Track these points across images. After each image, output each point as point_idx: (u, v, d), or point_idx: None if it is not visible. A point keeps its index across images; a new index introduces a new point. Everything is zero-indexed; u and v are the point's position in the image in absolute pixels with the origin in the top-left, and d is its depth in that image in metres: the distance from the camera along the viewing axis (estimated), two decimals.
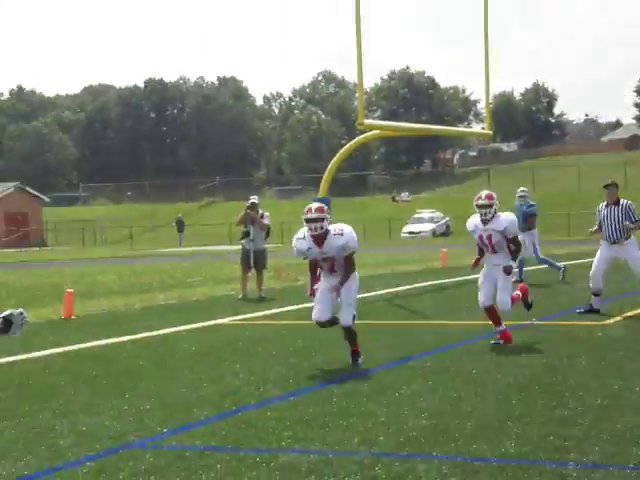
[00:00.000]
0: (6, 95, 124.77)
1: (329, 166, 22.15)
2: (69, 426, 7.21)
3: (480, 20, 22.29)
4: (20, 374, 9.77)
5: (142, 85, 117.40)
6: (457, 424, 6.83)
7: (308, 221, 9.43)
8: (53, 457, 6.31)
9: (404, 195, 77.55)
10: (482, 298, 10.82)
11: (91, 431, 7.03)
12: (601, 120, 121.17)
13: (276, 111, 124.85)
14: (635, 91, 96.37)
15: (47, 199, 74.92)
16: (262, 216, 18.47)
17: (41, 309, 16.60)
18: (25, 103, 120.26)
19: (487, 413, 7.12)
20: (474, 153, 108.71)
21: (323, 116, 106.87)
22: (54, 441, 6.74)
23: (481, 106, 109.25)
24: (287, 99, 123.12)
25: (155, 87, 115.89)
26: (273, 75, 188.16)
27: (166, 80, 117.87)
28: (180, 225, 60.47)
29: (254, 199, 18.73)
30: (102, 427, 7.14)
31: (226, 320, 14.31)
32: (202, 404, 7.89)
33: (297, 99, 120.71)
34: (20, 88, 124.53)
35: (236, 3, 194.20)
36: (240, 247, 18.87)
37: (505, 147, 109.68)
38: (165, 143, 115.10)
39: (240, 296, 17.98)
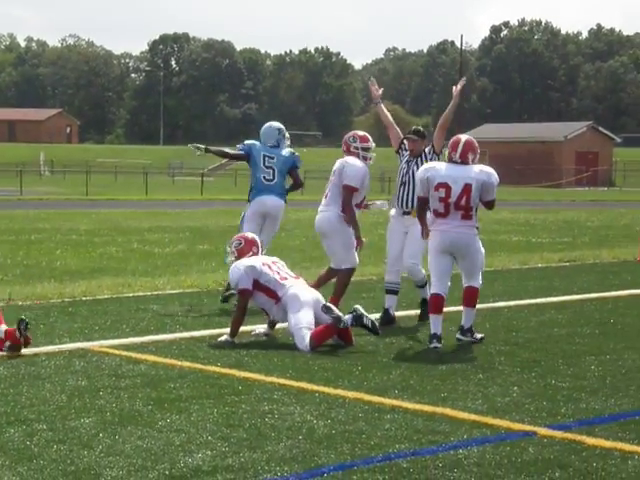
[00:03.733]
0: (584, 34, 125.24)
1: None
2: None
3: None
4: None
5: None
6: None
7: None
8: None
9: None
10: None
11: None
12: None
13: None
14: None
15: (619, 139, 74.17)
16: None
17: (615, 249, 16.54)
18: (603, 42, 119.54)
19: None
20: None
21: None
22: None
23: None
24: None
25: None
26: None
27: None
28: None
29: None
30: None
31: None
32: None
33: None
34: (599, 26, 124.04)
35: None
36: None
37: None
38: None
39: None
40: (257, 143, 10.08)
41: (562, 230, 22.08)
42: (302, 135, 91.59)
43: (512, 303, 10.12)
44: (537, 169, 65.79)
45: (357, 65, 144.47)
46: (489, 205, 7.93)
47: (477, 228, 7.92)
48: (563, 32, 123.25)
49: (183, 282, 11.27)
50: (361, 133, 9.25)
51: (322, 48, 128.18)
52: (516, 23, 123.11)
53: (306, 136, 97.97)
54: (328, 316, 7.58)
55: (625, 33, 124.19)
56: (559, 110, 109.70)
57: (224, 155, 10.81)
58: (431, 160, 8.61)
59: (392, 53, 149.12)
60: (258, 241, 8.29)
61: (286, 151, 10.05)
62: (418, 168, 8.38)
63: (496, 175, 7.86)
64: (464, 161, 7.77)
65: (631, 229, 22.05)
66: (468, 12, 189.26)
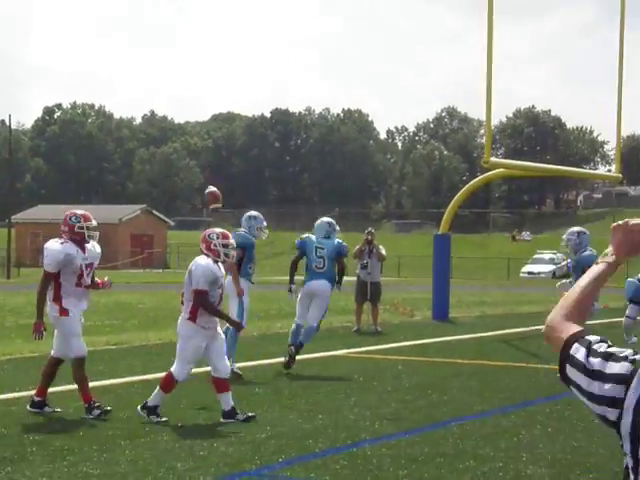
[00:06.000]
0: (138, 120, 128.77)
1: (452, 202, 22.05)
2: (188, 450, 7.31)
3: (613, 60, 21.89)
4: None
5: (268, 115, 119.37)
6: (577, 475, 6.65)
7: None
8: None
9: (525, 235, 76.30)
10: None
11: (207, 456, 7.12)
12: None
13: (399, 145, 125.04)
14: None
15: (172, 222, 76.72)
16: (377, 248, 18.50)
17: (162, 331, 16.97)
18: (156, 128, 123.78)
19: (608, 466, 6.91)
20: (599, 195, 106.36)
21: (445, 152, 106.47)
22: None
23: (609, 147, 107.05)
24: (411, 133, 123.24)
25: (280, 117, 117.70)
26: (397, 109, 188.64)
27: (292, 111, 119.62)
28: None
29: (371, 230, 18.78)
30: (218, 453, 7.22)
31: (342, 352, 14.32)
32: (317, 436, 7.90)
33: (420, 134, 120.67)
34: (152, 113, 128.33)
35: (364, 37, 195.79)
36: (355, 279, 18.84)
37: (632, 191, 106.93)
38: (288, 172, 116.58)
39: (355, 328, 17.97)
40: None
41: (112, 312, 22.24)
42: None
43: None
44: None
45: None
46: None
47: None
48: (117, 116, 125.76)
49: None
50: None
51: None
52: (69, 105, 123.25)
53: None
54: None
55: (177, 121, 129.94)
56: (115, 192, 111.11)
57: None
58: None
59: None
60: None
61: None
62: None
63: None
64: None
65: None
66: (19, 92, 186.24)
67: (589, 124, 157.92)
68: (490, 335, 17.20)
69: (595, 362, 2.30)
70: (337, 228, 12.61)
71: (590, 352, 2.33)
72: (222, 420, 8.51)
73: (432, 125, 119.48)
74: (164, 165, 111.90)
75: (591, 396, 2.30)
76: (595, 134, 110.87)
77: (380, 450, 7.37)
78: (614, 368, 2.27)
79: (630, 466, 2.29)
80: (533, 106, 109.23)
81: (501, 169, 22.03)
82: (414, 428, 8.32)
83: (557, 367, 2.40)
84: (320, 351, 14.15)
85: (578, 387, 2.34)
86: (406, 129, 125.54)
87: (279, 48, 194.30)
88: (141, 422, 8.32)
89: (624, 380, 2.24)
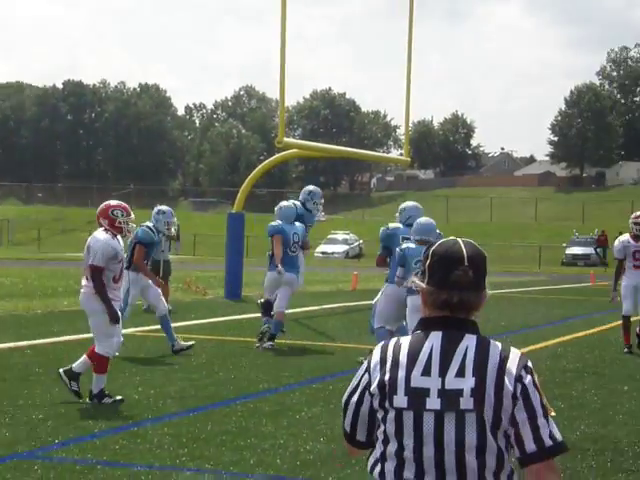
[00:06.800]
0: None
1: (246, 181, 22.11)
2: None
3: (403, 46, 22.53)
4: None
5: (60, 86, 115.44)
6: None
7: None
8: None
9: (320, 215, 77.79)
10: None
11: None
12: (516, 155, 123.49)
13: (197, 122, 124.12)
14: (550, 128, 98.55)
15: None
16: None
17: None
18: None
19: None
20: (391, 178, 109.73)
21: (243, 131, 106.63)
22: None
23: (401, 132, 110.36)
24: (209, 111, 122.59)
25: (74, 89, 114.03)
26: (196, 86, 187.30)
27: (86, 83, 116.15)
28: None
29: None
30: None
31: (130, 330, 14.05)
32: (96, 416, 7.71)
33: (219, 112, 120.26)
34: None
35: (163, 11, 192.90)
36: None
37: (422, 174, 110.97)
38: (81, 146, 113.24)
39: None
40: None
41: None
42: None
43: None
44: None
45: None
46: None
47: None
48: None
49: None
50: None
51: None
52: None
53: None
54: None
55: None
56: None
57: None
58: None
59: None
60: None
61: None
62: None
63: None
64: None
65: None
66: None
67: (383, 108, 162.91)
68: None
69: None
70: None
71: None
72: (88, 401, 8.29)
73: (230, 103, 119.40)
74: None
75: None
76: (389, 118, 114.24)
77: (162, 429, 7.28)
78: None
79: None
80: (330, 88, 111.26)
81: (295, 149, 22.27)
82: (198, 407, 8.27)
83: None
84: None
85: None
86: (204, 106, 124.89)
87: (73, 19, 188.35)
88: None
89: None
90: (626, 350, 12.85)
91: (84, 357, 8.48)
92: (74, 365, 8.46)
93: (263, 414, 8.01)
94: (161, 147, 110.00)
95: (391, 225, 10.76)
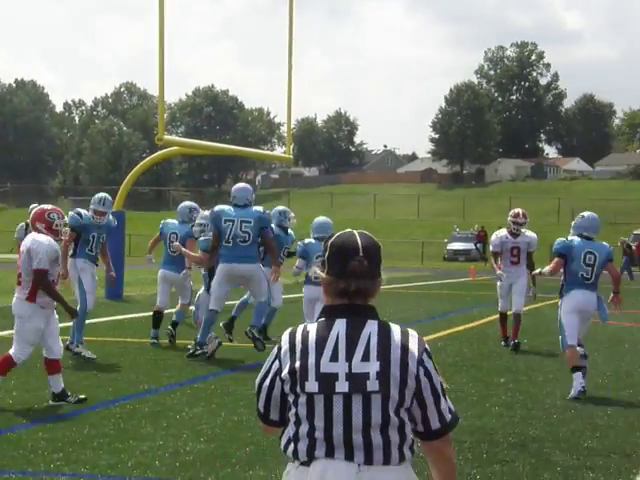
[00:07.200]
0: None
1: (126, 179, 21.79)
2: None
3: (285, 43, 22.50)
4: None
5: None
6: (235, 449, 6.75)
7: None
8: None
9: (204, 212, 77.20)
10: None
11: None
12: (399, 152, 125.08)
13: (76, 119, 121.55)
14: (431, 126, 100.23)
15: None
16: None
17: None
18: None
19: (268, 439, 7.08)
20: (276, 175, 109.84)
21: (125, 128, 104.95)
22: None
23: (284, 129, 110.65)
24: (89, 108, 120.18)
25: None
26: (75, 83, 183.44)
27: None
28: None
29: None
30: None
31: (5, 333, 13.64)
32: None
33: (99, 109, 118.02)
34: None
35: (39, 4, 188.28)
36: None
37: (306, 172, 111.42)
38: None
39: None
40: None
41: None
42: None
43: None
44: None
45: None
46: None
47: None
48: None
49: None
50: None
51: None
52: None
53: None
54: None
55: None
56: None
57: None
58: None
59: None
60: None
61: None
62: None
63: None
64: None
65: None
66: None
67: (267, 105, 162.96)
68: (165, 313, 17.12)
69: None
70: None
71: None
72: (51, 402, 8.25)
73: (111, 100, 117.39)
74: None
75: None
76: (272, 115, 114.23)
77: (37, 434, 7.08)
78: None
79: None
80: (213, 85, 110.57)
81: (175, 147, 22.02)
82: (75, 410, 8.08)
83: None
84: None
85: None
86: (84, 103, 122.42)
87: None
88: None
89: None
90: (503, 343, 13.17)
91: (48, 378, 8.44)
92: (52, 389, 8.42)
93: (142, 415, 7.88)
94: (39, 145, 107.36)
95: (306, 240, 11.48)
